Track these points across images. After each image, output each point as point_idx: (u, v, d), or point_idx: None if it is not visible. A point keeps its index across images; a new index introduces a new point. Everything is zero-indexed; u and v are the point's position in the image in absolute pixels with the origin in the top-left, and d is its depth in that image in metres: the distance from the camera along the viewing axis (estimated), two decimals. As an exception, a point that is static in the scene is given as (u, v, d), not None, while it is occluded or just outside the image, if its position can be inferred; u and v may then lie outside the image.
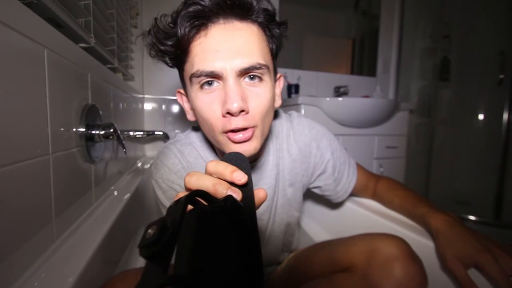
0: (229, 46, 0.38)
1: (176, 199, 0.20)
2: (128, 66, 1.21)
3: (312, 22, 1.86)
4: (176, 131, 1.51)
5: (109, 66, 0.88)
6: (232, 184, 0.24)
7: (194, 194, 0.20)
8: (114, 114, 0.85)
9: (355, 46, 1.96)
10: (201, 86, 0.41)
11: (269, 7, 0.42)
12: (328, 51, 1.91)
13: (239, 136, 0.41)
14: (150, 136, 1.37)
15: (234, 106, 0.38)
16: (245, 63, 0.39)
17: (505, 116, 1.63)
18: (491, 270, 0.39)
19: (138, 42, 1.29)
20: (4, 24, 0.33)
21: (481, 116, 1.82)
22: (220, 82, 0.40)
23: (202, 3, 0.37)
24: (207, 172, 0.25)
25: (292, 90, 1.58)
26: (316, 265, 0.56)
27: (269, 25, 0.43)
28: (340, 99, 1.39)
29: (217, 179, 0.24)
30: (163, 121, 1.49)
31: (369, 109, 1.40)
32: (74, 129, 0.54)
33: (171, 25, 0.41)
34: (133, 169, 1.09)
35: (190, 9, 0.38)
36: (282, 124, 0.61)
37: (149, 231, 0.17)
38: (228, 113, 0.39)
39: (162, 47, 0.42)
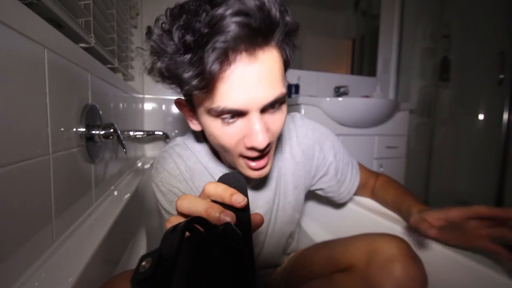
0: (253, 80, 0.35)
1: (169, 225, 0.19)
2: (128, 66, 1.21)
3: (312, 22, 1.86)
4: (176, 131, 1.51)
5: (109, 66, 0.88)
6: (229, 206, 0.23)
7: (192, 222, 0.19)
8: (114, 114, 0.85)
9: (355, 46, 1.96)
10: (222, 119, 0.38)
11: (291, 21, 0.38)
12: (328, 51, 1.91)
13: (256, 163, 0.42)
14: (150, 136, 1.37)
15: (260, 142, 0.37)
16: (270, 97, 0.37)
17: (505, 116, 1.63)
18: (459, 213, 0.45)
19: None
20: (4, 24, 0.33)
21: (481, 116, 1.82)
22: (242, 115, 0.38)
23: (228, 37, 0.31)
24: (205, 194, 0.25)
25: (292, 90, 1.58)
26: (316, 265, 0.56)
27: (286, 39, 0.39)
28: (340, 99, 1.39)
29: (210, 202, 0.24)
30: (163, 121, 1.49)
31: (369, 109, 1.40)
32: (74, 129, 0.54)
33: (195, 57, 0.33)
34: (133, 169, 1.09)
35: (222, 48, 0.32)
36: (284, 126, 0.60)
37: (143, 263, 0.16)
38: (252, 147, 0.39)
39: (184, 87, 0.35)
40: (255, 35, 0.33)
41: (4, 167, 0.33)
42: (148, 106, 1.46)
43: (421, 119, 1.97)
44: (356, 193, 0.69)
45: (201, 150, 0.55)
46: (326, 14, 1.93)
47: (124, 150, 0.69)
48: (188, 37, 0.32)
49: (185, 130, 1.48)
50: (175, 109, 1.50)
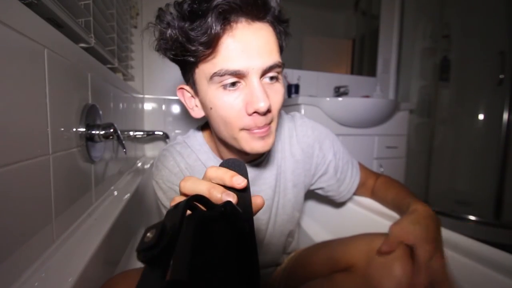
0: (253, 46, 0.39)
1: (173, 204, 0.20)
2: (128, 66, 1.21)
3: (312, 22, 1.86)
4: (176, 131, 1.51)
5: (109, 66, 0.88)
6: (230, 189, 0.24)
7: (193, 199, 0.20)
8: (114, 114, 0.85)
9: (355, 46, 1.96)
10: (224, 86, 0.40)
11: (279, 5, 0.42)
12: (328, 51, 1.91)
13: (259, 130, 0.42)
14: (150, 136, 1.37)
15: (262, 106, 0.38)
16: (269, 61, 0.40)
17: (505, 116, 1.63)
18: (418, 260, 0.41)
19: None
20: (4, 24, 0.33)
21: (481, 116, 1.82)
22: (242, 81, 0.40)
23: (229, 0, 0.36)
24: (206, 177, 0.26)
25: (292, 90, 1.58)
26: (316, 265, 0.56)
27: (278, 23, 0.43)
28: (340, 99, 1.39)
29: (212, 183, 0.24)
30: (163, 121, 1.49)
31: (369, 109, 1.40)
32: (74, 129, 0.54)
33: (200, 20, 0.37)
34: (133, 169, 1.09)
35: (221, 8, 0.36)
36: (284, 125, 0.61)
37: (148, 234, 0.17)
38: (255, 112, 0.40)
39: (192, 47, 0.38)
40: (253, 3, 0.38)
41: (4, 167, 0.33)
42: (148, 106, 1.46)
43: (421, 119, 1.98)
44: (356, 193, 0.69)
45: (201, 148, 0.56)
46: (326, 14, 1.93)
47: (124, 150, 0.69)
48: (195, 6, 0.37)
49: (186, 130, 1.48)
50: (175, 109, 1.50)
